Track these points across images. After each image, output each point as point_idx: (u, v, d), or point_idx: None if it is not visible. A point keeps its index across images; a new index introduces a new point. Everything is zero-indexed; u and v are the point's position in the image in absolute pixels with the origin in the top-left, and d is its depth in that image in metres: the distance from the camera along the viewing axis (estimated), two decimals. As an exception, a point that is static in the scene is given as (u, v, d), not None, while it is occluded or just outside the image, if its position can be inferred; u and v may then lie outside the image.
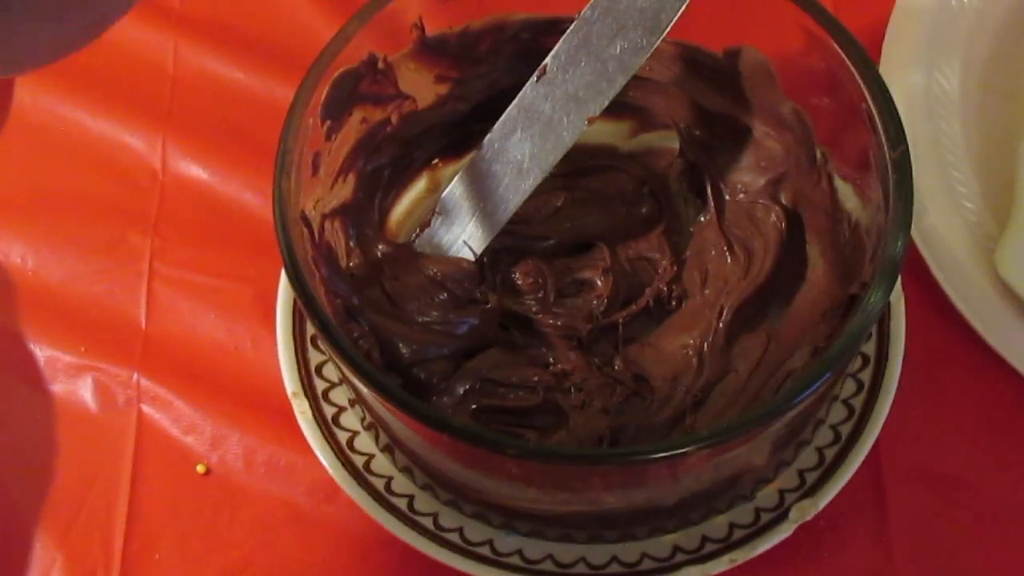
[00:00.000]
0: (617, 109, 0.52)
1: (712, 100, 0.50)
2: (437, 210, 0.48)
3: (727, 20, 0.48)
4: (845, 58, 0.42)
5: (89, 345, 0.54)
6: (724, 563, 0.45)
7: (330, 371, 0.49)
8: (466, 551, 0.46)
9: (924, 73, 0.56)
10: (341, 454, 0.48)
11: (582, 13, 0.44)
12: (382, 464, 0.48)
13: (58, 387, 0.54)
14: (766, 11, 0.44)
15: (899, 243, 0.39)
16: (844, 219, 0.45)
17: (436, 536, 0.46)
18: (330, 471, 0.48)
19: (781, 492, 0.47)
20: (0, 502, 0.51)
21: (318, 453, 0.48)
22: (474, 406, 0.47)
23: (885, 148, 0.40)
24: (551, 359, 0.48)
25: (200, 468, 0.52)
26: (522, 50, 0.49)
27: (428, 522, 0.47)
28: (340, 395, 0.49)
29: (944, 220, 0.53)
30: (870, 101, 0.41)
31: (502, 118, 0.46)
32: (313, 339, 0.50)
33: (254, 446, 0.52)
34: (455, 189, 0.48)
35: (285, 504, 0.51)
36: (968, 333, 0.51)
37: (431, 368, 0.47)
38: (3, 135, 0.60)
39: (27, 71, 0.30)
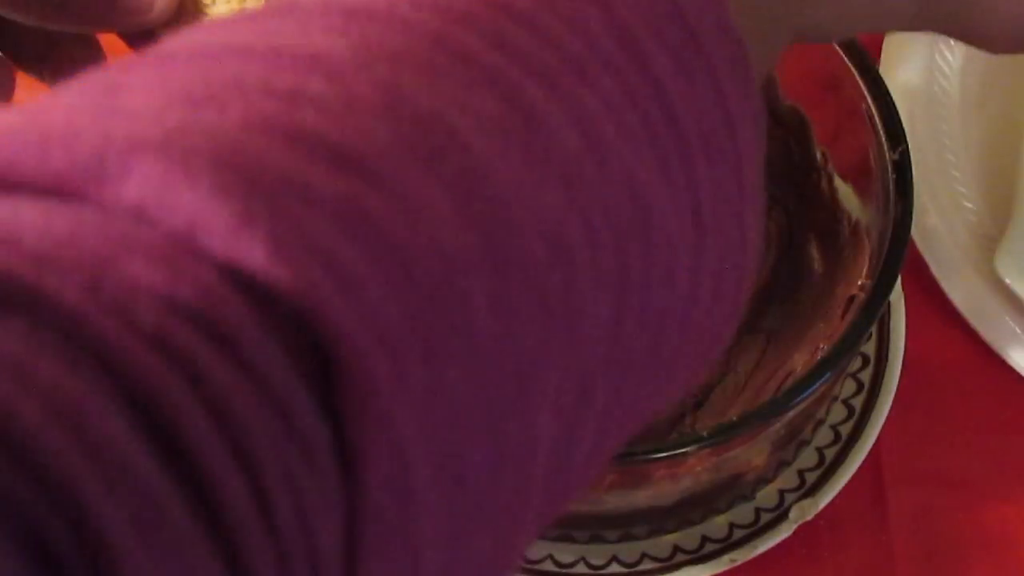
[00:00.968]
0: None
1: (712, 100, 0.49)
2: None
3: (727, 20, 0.47)
4: (845, 58, 0.42)
5: (89, 345, 0.54)
6: (724, 563, 0.45)
7: (330, 371, 0.49)
8: (466, 551, 0.46)
9: (924, 73, 0.56)
10: (341, 454, 0.48)
11: None
12: (382, 464, 0.48)
13: (58, 387, 0.53)
14: (766, 11, 0.44)
15: (899, 243, 0.39)
16: (844, 219, 0.45)
17: (436, 536, 0.46)
18: (330, 471, 0.47)
19: (781, 492, 0.47)
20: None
21: (318, 453, 0.48)
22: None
23: (885, 148, 0.40)
24: (551, 359, 0.48)
25: (200, 468, 0.51)
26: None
27: (428, 522, 0.47)
28: (340, 395, 0.49)
29: (944, 220, 0.53)
30: (870, 101, 0.41)
31: None
32: (313, 339, 0.50)
33: (254, 446, 0.52)
34: None
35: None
36: (968, 333, 0.51)
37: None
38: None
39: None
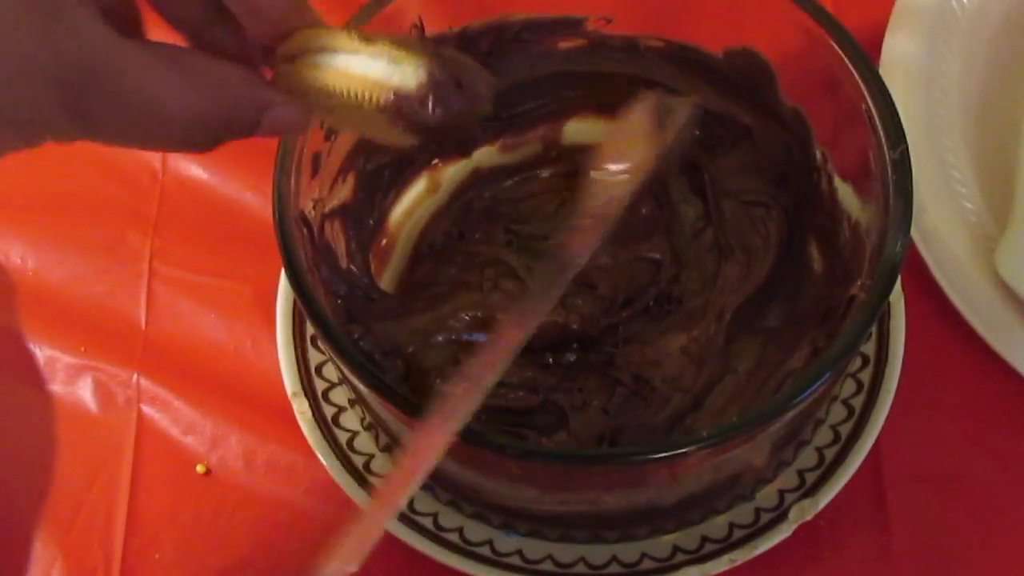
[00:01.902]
0: (617, 109, 0.52)
1: (712, 100, 0.50)
2: None
3: (727, 20, 0.48)
4: (845, 58, 0.42)
5: (89, 345, 0.54)
6: (724, 563, 0.45)
7: (330, 371, 0.49)
8: (466, 551, 0.46)
9: (924, 73, 0.56)
10: (341, 454, 0.48)
11: None
12: (382, 464, 0.48)
13: (58, 387, 0.54)
14: (766, 11, 0.44)
15: (899, 243, 0.39)
16: (844, 219, 0.45)
17: (436, 536, 0.46)
18: (330, 471, 0.48)
19: (781, 492, 0.47)
20: (0, 502, 0.51)
21: (318, 453, 0.48)
22: (474, 406, 0.47)
23: (885, 148, 0.40)
24: (551, 359, 0.48)
25: (200, 468, 0.52)
26: (522, 50, 0.49)
27: (428, 522, 0.47)
28: (340, 395, 0.49)
29: (944, 220, 0.53)
30: (870, 101, 0.41)
31: None
32: (313, 339, 0.50)
33: (254, 446, 0.52)
34: None
35: (285, 504, 0.51)
36: (968, 333, 0.51)
37: (431, 365, 0.47)
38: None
39: None
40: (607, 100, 0.52)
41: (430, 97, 0.32)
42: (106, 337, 0.54)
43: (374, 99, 0.31)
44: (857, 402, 0.48)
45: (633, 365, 0.48)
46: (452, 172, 0.52)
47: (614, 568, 0.46)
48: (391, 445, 0.47)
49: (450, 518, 0.47)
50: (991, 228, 0.53)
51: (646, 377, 0.48)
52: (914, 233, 0.51)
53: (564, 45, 0.50)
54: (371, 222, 0.50)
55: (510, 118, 0.52)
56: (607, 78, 0.51)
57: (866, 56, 0.42)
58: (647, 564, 0.46)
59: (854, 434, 0.47)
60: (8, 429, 0.53)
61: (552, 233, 0.52)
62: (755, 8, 0.45)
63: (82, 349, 0.54)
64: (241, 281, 0.55)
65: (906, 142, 0.40)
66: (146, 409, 0.53)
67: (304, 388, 0.49)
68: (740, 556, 0.45)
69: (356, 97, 0.32)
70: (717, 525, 0.46)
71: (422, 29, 0.46)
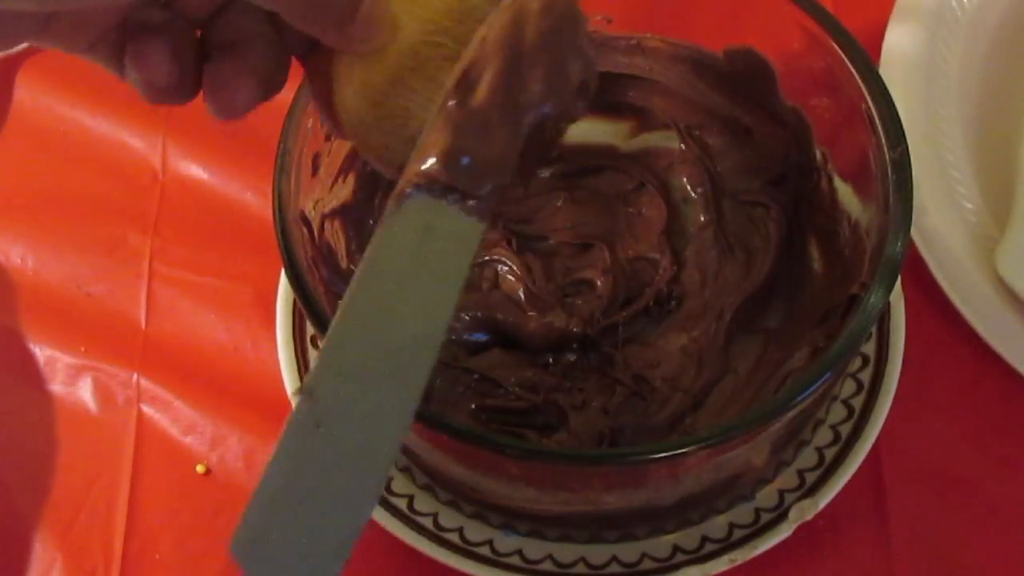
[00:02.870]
0: (617, 109, 0.52)
1: (712, 100, 0.50)
2: None
3: (727, 20, 0.48)
4: (845, 58, 0.42)
5: (89, 345, 0.54)
6: (724, 563, 0.45)
7: (330, 371, 0.49)
8: (466, 551, 0.46)
9: (924, 73, 0.56)
10: (341, 454, 0.48)
11: None
12: (382, 464, 0.48)
13: (58, 387, 0.54)
14: (766, 11, 0.44)
15: (899, 243, 0.39)
16: (844, 219, 0.45)
17: (436, 536, 0.46)
18: (330, 471, 0.48)
19: (781, 492, 0.47)
20: (0, 502, 0.51)
21: (318, 453, 0.48)
22: (473, 406, 0.47)
23: (885, 148, 0.40)
24: (551, 359, 0.48)
25: (200, 468, 0.52)
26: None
27: (428, 522, 0.47)
28: (340, 395, 0.49)
29: (944, 220, 0.53)
30: (870, 101, 0.41)
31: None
32: (313, 339, 0.50)
33: (254, 446, 0.52)
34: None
35: (285, 504, 0.51)
36: (968, 333, 0.51)
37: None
38: (3, 135, 0.60)
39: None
40: (607, 100, 0.52)
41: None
42: (106, 337, 0.54)
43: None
44: (857, 402, 0.48)
45: (633, 365, 0.48)
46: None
47: (614, 568, 0.46)
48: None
49: (450, 518, 0.47)
50: (991, 228, 0.53)
51: (646, 377, 0.48)
52: (914, 233, 0.51)
53: (564, 45, 0.50)
54: (371, 222, 0.50)
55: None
56: (607, 78, 0.51)
57: (866, 56, 0.42)
58: (647, 564, 0.46)
59: (854, 434, 0.47)
60: (8, 429, 0.53)
61: (552, 233, 0.52)
62: (755, 8, 0.45)
63: (82, 349, 0.54)
64: (241, 281, 0.55)
65: (906, 142, 0.40)
66: (146, 409, 0.53)
67: (304, 388, 0.49)
68: (740, 556, 0.45)
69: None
70: (717, 525, 0.46)
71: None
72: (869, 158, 0.41)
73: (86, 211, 0.58)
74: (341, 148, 0.46)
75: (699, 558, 0.46)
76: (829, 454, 0.47)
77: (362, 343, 0.31)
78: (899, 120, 0.41)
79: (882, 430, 0.47)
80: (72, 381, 0.54)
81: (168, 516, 0.51)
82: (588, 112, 0.52)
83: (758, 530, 0.46)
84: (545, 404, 0.47)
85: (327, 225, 0.46)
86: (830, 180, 0.46)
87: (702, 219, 0.51)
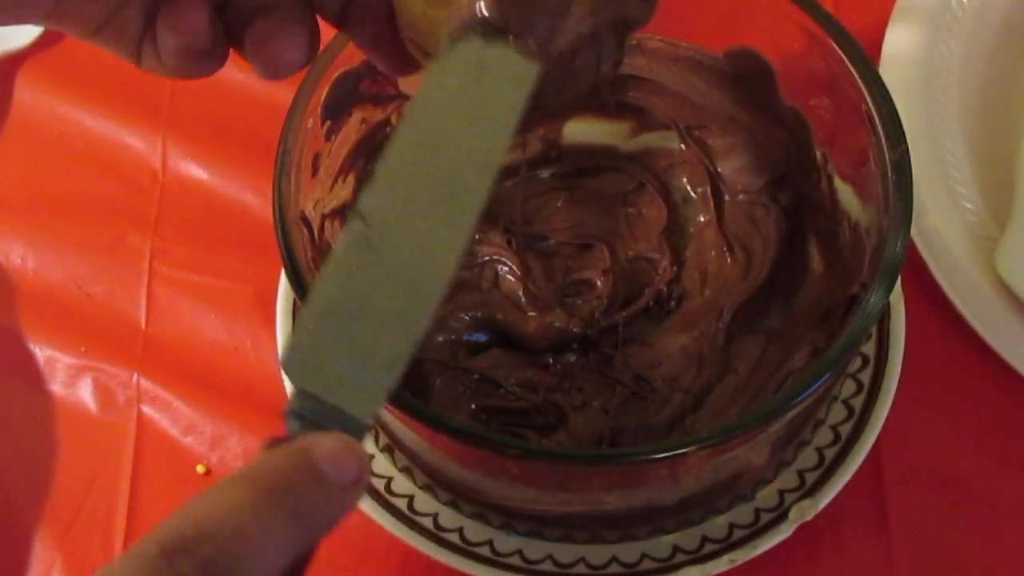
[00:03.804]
0: (617, 109, 0.52)
1: (712, 100, 0.50)
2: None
3: (727, 20, 0.48)
4: (845, 58, 0.42)
5: (89, 345, 0.54)
6: (724, 563, 0.45)
7: (330, 371, 0.49)
8: (466, 551, 0.46)
9: (924, 73, 0.56)
10: (341, 454, 0.48)
11: None
12: (382, 464, 0.48)
13: (58, 387, 0.54)
14: (766, 11, 0.44)
15: (899, 243, 0.39)
16: (844, 219, 0.45)
17: (436, 536, 0.46)
18: (330, 471, 0.48)
19: (781, 492, 0.47)
20: (0, 502, 0.51)
21: (318, 453, 0.48)
22: (474, 406, 0.47)
23: (885, 148, 0.40)
24: (551, 359, 0.48)
25: (200, 468, 0.52)
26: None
27: (428, 522, 0.47)
28: (340, 395, 0.49)
29: (944, 220, 0.53)
30: (870, 101, 0.41)
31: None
32: (313, 339, 0.50)
33: (254, 446, 0.52)
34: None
35: (285, 504, 0.51)
36: (968, 333, 0.51)
37: (432, 366, 0.47)
38: (3, 135, 0.60)
39: None
40: (607, 100, 0.52)
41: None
42: (106, 337, 0.54)
43: None
44: (857, 402, 0.48)
45: (633, 365, 0.48)
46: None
47: (614, 568, 0.46)
48: (391, 446, 0.47)
49: (450, 518, 0.47)
50: (991, 228, 0.53)
51: (646, 377, 0.48)
52: (914, 233, 0.51)
53: (564, 45, 0.50)
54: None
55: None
56: (607, 78, 0.51)
57: (866, 56, 0.42)
58: (647, 564, 0.46)
59: (854, 434, 0.47)
60: (8, 429, 0.53)
61: (552, 233, 0.52)
62: (755, 8, 0.45)
63: (82, 349, 0.54)
64: (241, 281, 0.55)
65: (906, 142, 0.40)
66: (146, 409, 0.53)
67: (304, 388, 0.49)
68: (740, 556, 0.45)
69: None
70: (717, 525, 0.46)
71: (422, 29, 0.46)
72: (869, 158, 0.41)
73: (86, 211, 0.58)
74: (341, 148, 0.46)
75: (699, 558, 0.46)
76: (829, 454, 0.47)
77: (416, 171, 0.32)
78: (899, 120, 0.41)
79: (882, 430, 0.47)
80: (72, 381, 0.54)
81: (168, 516, 0.51)
82: (588, 111, 0.53)
83: (758, 530, 0.46)
84: (545, 404, 0.47)
85: (327, 225, 0.46)
86: (830, 180, 0.46)
87: (702, 219, 0.51)
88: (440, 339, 0.48)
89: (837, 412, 0.48)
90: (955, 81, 0.56)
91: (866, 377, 0.48)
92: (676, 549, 0.46)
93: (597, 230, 0.52)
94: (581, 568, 0.46)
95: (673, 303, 0.50)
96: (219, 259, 0.56)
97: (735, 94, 0.49)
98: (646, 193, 0.52)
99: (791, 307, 0.48)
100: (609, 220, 0.52)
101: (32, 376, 0.54)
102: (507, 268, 0.50)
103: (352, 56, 0.44)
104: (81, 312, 0.55)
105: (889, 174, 0.40)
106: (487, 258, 0.51)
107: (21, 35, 0.61)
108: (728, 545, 0.46)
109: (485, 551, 0.46)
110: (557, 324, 0.49)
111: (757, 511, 0.46)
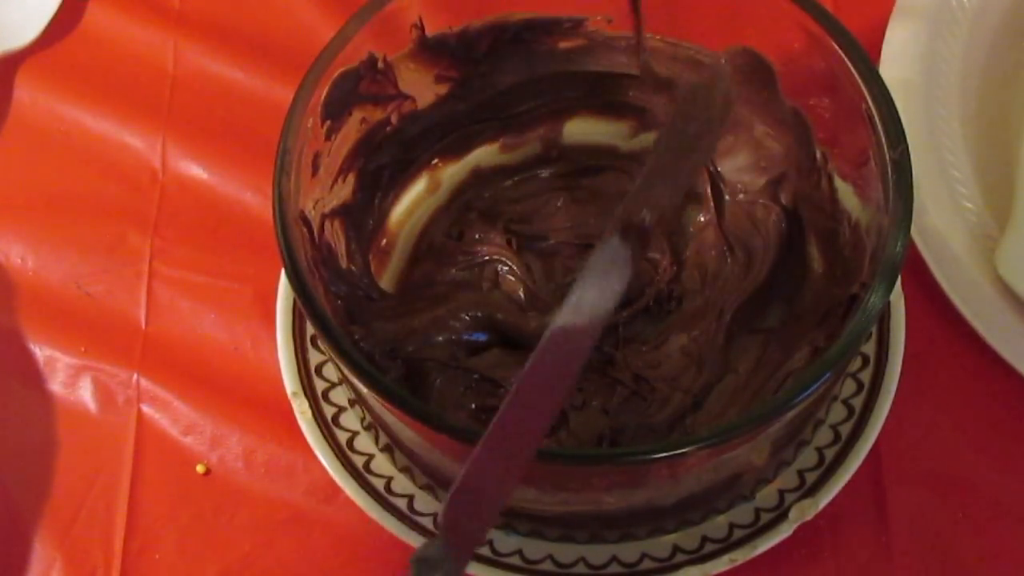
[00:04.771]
0: (617, 109, 0.52)
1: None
2: None
3: (727, 20, 0.48)
4: (845, 58, 0.42)
5: (89, 345, 0.54)
6: (724, 563, 0.45)
7: (330, 371, 0.49)
8: (466, 551, 0.46)
9: (924, 73, 0.56)
10: (341, 454, 0.48)
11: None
12: (382, 464, 0.48)
13: (58, 387, 0.54)
14: (766, 11, 0.44)
15: (899, 243, 0.39)
16: (844, 219, 0.45)
17: (436, 536, 0.46)
18: (330, 471, 0.48)
19: (781, 492, 0.47)
20: (0, 502, 0.51)
21: (318, 453, 0.48)
22: (473, 406, 0.47)
23: (885, 148, 0.40)
24: (551, 359, 0.48)
25: (200, 468, 0.52)
26: (522, 50, 0.49)
27: (428, 522, 0.47)
28: (340, 395, 0.49)
29: (944, 220, 0.53)
30: (870, 101, 0.41)
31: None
32: (313, 339, 0.50)
33: (254, 446, 0.52)
34: None
35: (285, 504, 0.51)
36: (968, 333, 0.51)
37: (432, 365, 0.47)
38: (3, 135, 0.60)
39: None
40: (607, 100, 0.52)
41: None
42: (106, 337, 0.54)
43: None
44: (857, 402, 0.48)
45: (633, 365, 0.48)
46: (452, 172, 0.52)
47: (614, 568, 0.46)
48: (391, 445, 0.47)
49: (450, 518, 0.47)
50: (991, 228, 0.53)
51: (646, 377, 0.48)
52: (914, 233, 0.51)
53: (564, 45, 0.50)
54: (371, 222, 0.50)
55: (510, 118, 0.52)
56: (607, 78, 0.51)
57: (866, 56, 0.42)
58: (647, 564, 0.46)
59: (854, 434, 0.47)
60: (8, 429, 0.53)
61: (552, 233, 0.52)
62: (755, 8, 0.45)
63: (82, 349, 0.54)
64: (241, 281, 0.55)
65: (906, 142, 0.40)
66: (146, 409, 0.53)
67: (304, 388, 0.49)
68: (740, 556, 0.45)
69: None
70: (717, 525, 0.46)
71: (422, 29, 0.46)
72: (869, 158, 0.41)
73: (86, 211, 0.58)
74: (341, 148, 0.46)
75: (699, 558, 0.46)
76: (829, 454, 0.47)
77: None
78: (899, 120, 0.41)
79: (882, 430, 0.47)
80: (72, 381, 0.54)
81: (168, 516, 0.51)
82: (589, 112, 0.53)
83: (758, 530, 0.46)
84: (545, 404, 0.47)
85: (327, 225, 0.46)
86: (830, 180, 0.46)
87: (702, 219, 0.51)
88: (440, 339, 0.48)
89: (837, 412, 0.48)
90: (955, 81, 0.56)
91: (866, 377, 0.48)
92: (676, 549, 0.46)
93: (597, 230, 0.51)
94: (581, 568, 0.46)
95: (673, 303, 0.50)
96: (219, 259, 0.56)
97: (735, 94, 0.49)
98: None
99: (791, 307, 0.48)
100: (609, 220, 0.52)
101: (32, 376, 0.54)
102: (507, 268, 0.50)
103: (352, 56, 0.44)
104: (81, 312, 0.55)
105: (889, 174, 0.40)
106: (487, 258, 0.51)
107: (21, 35, 0.61)
108: (728, 545, 0.46)
109: (485, 551, 0.46)
110: (557, 324, 0.49)
111: (757, 511, 0.46)
